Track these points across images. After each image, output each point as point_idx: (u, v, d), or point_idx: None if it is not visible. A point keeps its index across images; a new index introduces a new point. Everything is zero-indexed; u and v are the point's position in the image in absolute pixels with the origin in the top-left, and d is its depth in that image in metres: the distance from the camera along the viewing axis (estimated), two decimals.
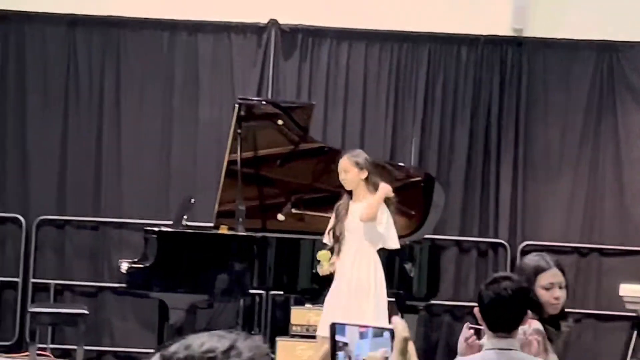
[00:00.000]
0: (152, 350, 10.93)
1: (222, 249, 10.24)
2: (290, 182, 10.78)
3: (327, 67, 12.51)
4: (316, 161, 10.76)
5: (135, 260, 10.49)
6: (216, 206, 10.53)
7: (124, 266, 10.41)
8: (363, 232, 9.41)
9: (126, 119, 12.41)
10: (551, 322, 5.61)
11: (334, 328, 2.76)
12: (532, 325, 5.36)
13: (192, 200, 11.01)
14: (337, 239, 9.44)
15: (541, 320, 5.46)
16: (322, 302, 10.00)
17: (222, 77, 12.48)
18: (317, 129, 11.52)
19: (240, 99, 10.89)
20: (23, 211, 12.31)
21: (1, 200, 12.39)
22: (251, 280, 10.38)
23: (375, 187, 9.35)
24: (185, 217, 10.73)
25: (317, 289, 10.23)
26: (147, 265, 10.13)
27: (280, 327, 11.31)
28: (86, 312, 10.81)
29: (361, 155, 9.60)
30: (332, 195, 10.59)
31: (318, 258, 9.67)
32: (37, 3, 12.40)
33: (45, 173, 12.40)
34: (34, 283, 12.21)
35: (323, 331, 9.11)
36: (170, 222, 10.93)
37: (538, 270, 5.68)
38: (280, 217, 10.57)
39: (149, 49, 12.54)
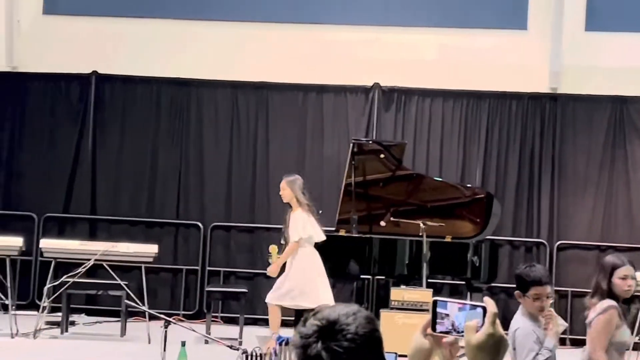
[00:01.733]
0: (292, 318, 11.15)
1: (341, 246, 10.22)
2: (389, 198, 10.72)
3: (415, 116, 12.49)
4: (407, 183, 10.73)
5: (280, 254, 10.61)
6: (337, 216, 10.53)
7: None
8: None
9: (273, 154, 12.48)
10: (624, 304, 5.68)
11: (436, 303, 2.57)
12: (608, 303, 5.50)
13: (320, 212, 11.10)
14: (286, 239, 9.76)
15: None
16: (413, 284, 10.11)
17: (340, 124, 12.51)
18: (408, 161, 11.48)
19: (354, 139, 10.90)
20: (201, 219, 12.48)
21: (187, 212, 12.57)
22: (361, 268, 10.40)
23: (299, 202, 9.65)
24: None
25: (408, 274, 10.28)
26: None
27: (383, 302, 11.27)
28: (246, 290, 10.89)
29: (295, 180, 9.86)
30: (420, 208, 10.70)
31: (269, 250, 9.98)
32: (209, 72, 12.54)
33: (216, 192, 12.53)
34: (209, 270, 12.38)
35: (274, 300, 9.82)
36: None
37: (615, 266, 5.66)
38: (383, 223, 10.56)
39: (289, 105, 12.59)
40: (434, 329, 2.60)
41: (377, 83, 12.48)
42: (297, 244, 9.61)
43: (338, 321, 2.41)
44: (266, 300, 9.96)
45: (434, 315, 2.56)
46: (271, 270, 9.85)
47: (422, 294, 9.58)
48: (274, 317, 9.90)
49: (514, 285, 12.27)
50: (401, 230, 10.47)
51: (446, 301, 2.63)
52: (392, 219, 10.56)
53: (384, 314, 9.58)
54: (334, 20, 12.60)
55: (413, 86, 12.48)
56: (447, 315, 2.62)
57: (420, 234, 9.98)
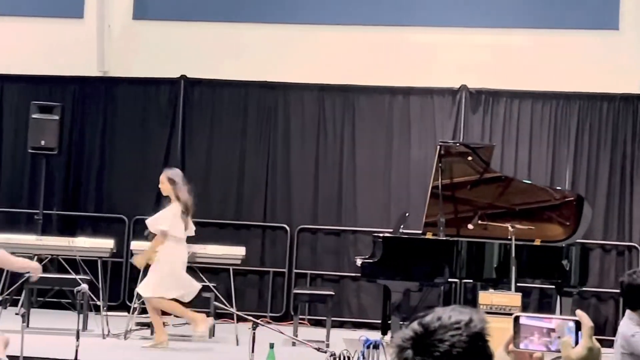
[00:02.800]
0: (379, 320, 11.18)
1: (428, 249, 10.16)
2: (477, 201, 10.64)
3: (503, 118, 12.39)
4: (496, 186, 10.62)
5: (367, 257, 10.61)
6: (423, 218, 10.49)
7: (359, 261, 10.55)
8: None
9: (359, 157, 12.52)
10: None
11: (518, 318, 2.51)
12: None
13: (407, 214, 11.09)
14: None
15: None
16: (501, 288, 10.02)
17: (427, 126, 12.47)
18: (496, 163, 11.39)
19: (441, 142, 10.87)
20: (288, 222, 12.57)
21: (274, 215, 12.68)
22: (449, 271, 10.27)
23: (177, 197, 9.83)
24: (402, 226, 10.80)
25: (496, 278, 10.18)
26: (375, 260, 10.17)
27: (470, 306, 11.17)
28: (332, 293, 10.86)
29: (174, 174, 10.06)
30: (508, 211, 10.60)
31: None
32: (296, 76, 12.65)
33: (303, 195, 12.61)
34: (296, 272, 12.47)
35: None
36: (391, 230, 10.99)
37: None
38: (470, 226, 10.52)
39: (375, 107, 12.59)
40: (516, 346, 2.56)
41: (465, 85, 12.43)
42: (164, 236, 9.72)
43: (436, 332, 2.34)
44: (144, 296, 9.89)
45: (516, 331, 2.52)
46: (138, 261, 9.85)
47: (511, 298, 9.47)
48: (171, 307, 9.90)
49: (604, 290, 12.14)
50: (489, 233, 10.35)
51: (530, 316, 2.60)
52: (479, 222, 10.46)
53: None
54: (421, 22, 12.58)
55: (501, 88, 12.40)
56: (533, 331, 2.58)
57: (509, 237, 9.88)
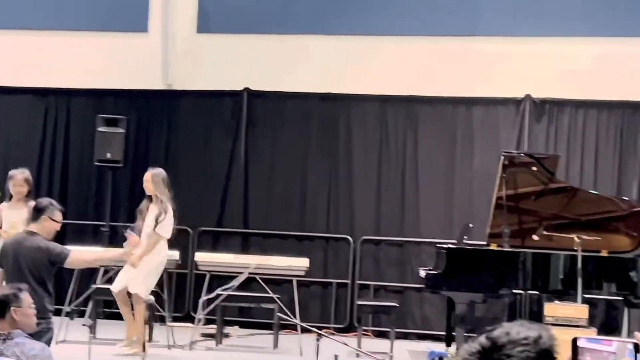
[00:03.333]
0: (443, 332, 11.11)
1: (492, 261, 10.05)
2: (542, 211, 10.48)
3: (568, 128, 12.30)
4: (561, 196, 10.46)
5: (430, 268, 10.53)
6: (488, 229, 10.38)
7: (422, 272, 10.50)
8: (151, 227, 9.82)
9: (422, 168, 12.49)
10: None
11: (576, 340, 2.50)
12: None
13: (471, 225, 11.03)
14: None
15: None
16: (567, 300, 9.90)
17: (490, 136, 12.41)
18: (561, 173, 11.21)
19: (505, 152, 10.70)
20: (351, 233, 12.55)
21: (336, 226, 12.67)
22: (513, 283, 10.16)
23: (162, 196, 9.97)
24: (465, 237, 10.73)
25: (562, 289, 10.08)
26: (439, 272, 10.10)
27: (535, 317, 11.08)
28: (396, 304, 10.83)
29: (160, 174, 10.12)
30: (573, 221, 10.44)
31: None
32: (358, 87, 12.68)
33: (366, 206, 12.61)
34: (359, 284, 12.45)
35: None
36: (454, 241, 10.89)
37: None
38: (535, 237, 10.41)
39: (437, 118, 12.58)
40: None
41: (529, 95, 12.34)
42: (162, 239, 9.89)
43: (504, 347, 2.34)
44: (140, 294, 9.85)
45: (575, 353, 2.50)
46: (133, 262, 9.71)
47: (578, 310, 9.36)
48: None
49: None
50: (554, 244, 10.20)
51: (589, 338, 2.58)
52: (545, 232, 10.31)
53: None
54: (484, 32, 12.53)
55: (565, 97, 12.30)
56: (592, 354, 2.56)
57: (575, 248, 9.77)
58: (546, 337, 2.36)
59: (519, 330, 2.36)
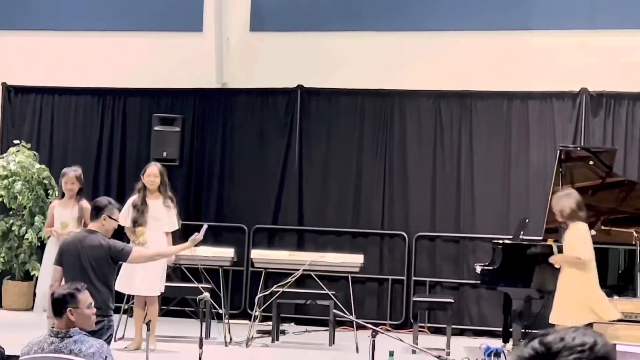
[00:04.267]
0: (499, 328, 11.04)
1: (550, 256, 10.09)
2: (599, 206, 10.44)
3: (625, 121, 12.18)
4: (619, 191, 10.46)
5: (486, 264, 10.51)
6: (544, 224, 10.37)
7: (478, 268, 10.52)
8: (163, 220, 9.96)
9: (477, 163, 12.46)
10: None
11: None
12: None
13: (527, 220, 10.97)
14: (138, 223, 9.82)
15: None
16: (626, 295, 9.81)
17: (546, 131, 12.34)
18: (619, 167, 11.19)
19: (561, 146, 10.75)
20: (406, 229, 12.55)
21: (391, 222, 12.66)
22: None
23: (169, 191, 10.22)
24: (522, 232, 10.69)
25: (620, 285, 9.99)
26: (496, 267, 10.11)
27: None
28: (452, 300, 10.80)
29: (164, 170, 10.31)
30: (632, 216, 10.40)
31: (139, 234, 9.81)
32: (412, 82, 12.64)
33: (421, 202, 12.58)
34: (414, 280, 12.45)
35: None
36: (510, 237, 10.89)
37: None
38: (593, 232, 10.34)
39: (493, 112, 12.52)
40: None
41: (585, 88, 12.27)
42: None
43: (560, 353, 2.27)
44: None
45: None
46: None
47: (637, 305, 9.31)
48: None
49: None
50: (612, 238, 10.22)
51: (630, 344, 2.49)
52: (602, 227, 10.31)
53: (597, 325, 9.27)
54: (538, 26, 12.49)
55: (623, 90, 12.20)
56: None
57: (633, 242, 9.70)
58: (602, 343, 2.30)
59: (574, 335, 2.31)
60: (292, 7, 13.19)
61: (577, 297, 8.59)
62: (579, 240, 8.72)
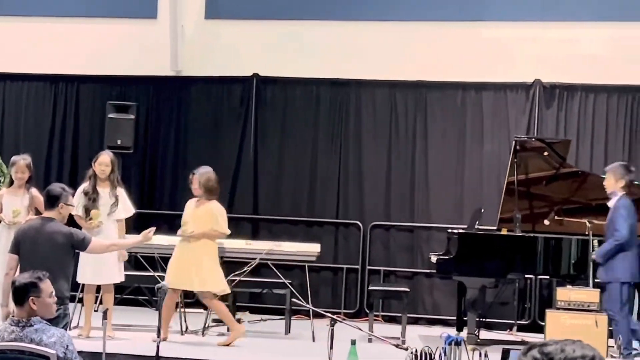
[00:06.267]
0: (453, 317, 11.13)
1: (504, 245, 10.12)
2: (553, 196, 10.59)
3: (578, 113, 12.29)
4: (572, 181, 10.57)
5: (441, 253, 10.60)
6: (499, 214, 10.48)
7: (433, 258, 10.54)
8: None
9: (432, 152, 12.53)
10: None
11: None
12: None
13: (482, 210, 11.04)
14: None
15: None
16: (579, 284, 9.87)
17: (500, 122, 12.45)
18: (572, 158, 11.31)
19: (516, 137, 10.82)
20: (361, 219, 12.62)
21: (346, 212, 12.69)
22: (524, 267, 10.30)
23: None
24: (477, 222, 10.76)
25: (575, 274, 10.03)
26: (451, 257, 10.16)
27: (546, 302, 11.14)
28: (407, 289, 10.83)
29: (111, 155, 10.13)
30: (584, 206, 10.48)
31: (94, 216, 9.77)
32: (367, 72, 12.67)
33: (376, 192, 12.64)
34: (369, 269, 12.51)
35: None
36: (465, 226, 10.96)
37: None
38: (546, 222, 10.45)
39: (447, 103, 12.59)
40: None
41: (538, 79, 12.35)
42: None
43: None
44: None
45: None
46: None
47: (589, 294, 9.42)
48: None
49: None
50: (565, 228, 10.29)
51: None
52: (556, 217, 10.42)
53: (550, 314, 9.47)
54: (492, 17, 12.54)
55: (576, 82, 12.31)
56: None
57: (586, 232, 9.82)
58: (599, 357, 2.35)
59: (574, 348, 2.35)
60: None
61: None
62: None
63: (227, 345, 9.65)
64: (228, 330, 10.14)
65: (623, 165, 9.81)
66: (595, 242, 9.74)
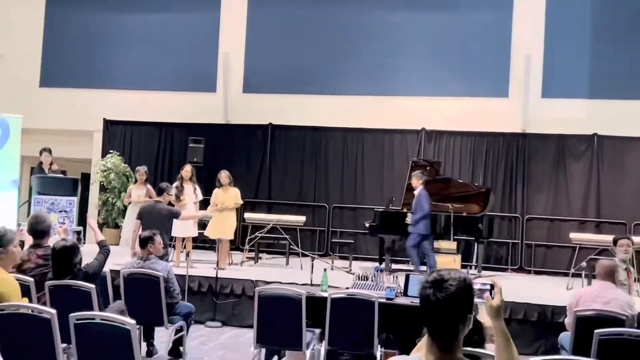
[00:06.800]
0: (377, 257, 10.62)
1: (405, 218, 9.65)
2: (432, 191, 9.91)
3: (445, 146, 11.92)
4: (442, 183, 10.32)
5: (371, 221, 10.11)
6: (402, 200, 10.18)
7: (367, 224, 10.06)
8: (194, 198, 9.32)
9: (368, 168, 12.27)
10: None
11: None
12: None
13: (393, 198, 10.77)
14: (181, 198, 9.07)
15: None
16: (447, 239, 9.44)
17: (403, 151, 12.03)
18: (443, 171, 11.04)
19: (413, 159, 10.71)
20: (327, 202, 12.24)
21: (319, 198, 12.27)
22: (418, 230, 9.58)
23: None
24: (390, 205, 10.47)
25: (443, 233, 9.51)
26: (376, 224, 9.89)
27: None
28: (352, 241, 10.58)
29: (190, 165, 9.60)
30: (449, 196, 10.10)
31: (181, 199, 9.12)
32: (333, 122, 12.21)
33: (336, 187, 12.39)
34: (331, 230, 12.28)
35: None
36: (383, 207, 10.55)
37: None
38: None
39: (375, 142, 12.13)
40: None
41: (424, 127, 12.12)
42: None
43: (448, 280, 2.19)
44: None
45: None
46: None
47: (451, 244, 9.45)
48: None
49: (499, 240, 11.60)
50: (438, 209, 9.95)
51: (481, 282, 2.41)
52: (433, 202, 9.89)
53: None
54: (401, 93, 12.13)
55: (444, 129, 12.04)
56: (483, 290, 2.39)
57: (450, 211, 9.73)
58: (469, 277, 2.25)
59: (453, 271, 2.25)
60: (267, 77, 12.75)
61: None
62: None
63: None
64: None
65: (420, 172, 9.66)
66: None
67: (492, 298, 2.38)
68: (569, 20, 11.51)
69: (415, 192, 9.41)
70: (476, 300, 2.31)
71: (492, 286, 2.41)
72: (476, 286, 2.33)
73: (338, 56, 12.34)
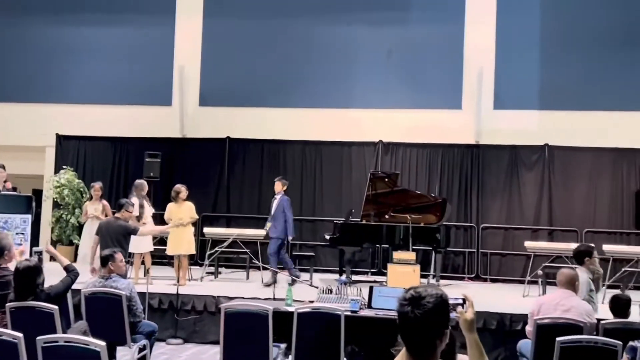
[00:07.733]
0: (337, 268, 10.77)
1: (364, 229, 9.91)
2: (390, 202, 10.30)
3: (402, 158, 11.97)
4: (400, 194, 10.34)
5: (331, 234, 10.17)
6: (361, 212, 10.18)
7: (327, 236, 10.12)
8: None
9: (326, 180, 12.31)
10: None
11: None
12: None
13: (352, 210, 10.72)
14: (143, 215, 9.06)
15: None
16: (405, 249, 9.37)
17: (361, 163, 12.13)
18: (400, 182, 10.90)
19: (371, 171, 10.64)
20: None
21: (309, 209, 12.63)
22: (375, 240, 9.92)
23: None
24: (350, 217, 10.49)
25: (401, 244, 9.52)
26: (336, 236, 9.94)
27: (386, 259, 10.70)
28: (313, 254, 10.73)
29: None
30: (407, 207, 10.12)
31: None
32: (292, 135, 12.29)
33: (297, 202, 12.41)
34: (291, 243, 12.02)
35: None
36: (343, 219, 10.57)
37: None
38: (387, 216, 9.96)
39: (332, 154, 12.15)
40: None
41: (381, 140, 12.17)
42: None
43: (425, 297, 2.20)
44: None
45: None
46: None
47: (410, 255, 9.39)
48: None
49: (456, 249, 11.77)
50: (397, 220, 10.10)
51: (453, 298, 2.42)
52: (392, 214, 10.27)
53: (390, 266, 9.14)
54: (356, 106, 12.19)
55: (400, 141, 12.13)
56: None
57: (408, 222, 9.78)
58: (444, 294, 2.26)
59: (432, 289, 2.26)
60: (225, 91, 12.73)
61: None
62: None
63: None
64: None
65: (283, 178, 9.86)
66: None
67: (465, 312, 2.43)
68: (519, 33, 11.67)
69: (278, 197, 9.48)
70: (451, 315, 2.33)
71: (464, 300, 2.45)
72: (449, 301, 2.35)
73: (295, 69, 12.33)
